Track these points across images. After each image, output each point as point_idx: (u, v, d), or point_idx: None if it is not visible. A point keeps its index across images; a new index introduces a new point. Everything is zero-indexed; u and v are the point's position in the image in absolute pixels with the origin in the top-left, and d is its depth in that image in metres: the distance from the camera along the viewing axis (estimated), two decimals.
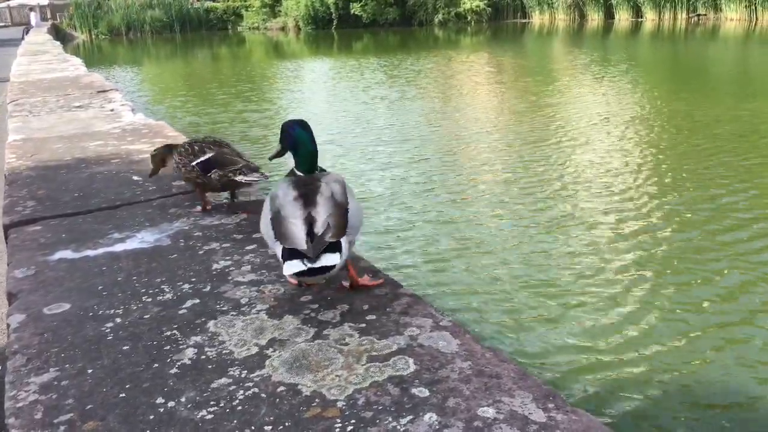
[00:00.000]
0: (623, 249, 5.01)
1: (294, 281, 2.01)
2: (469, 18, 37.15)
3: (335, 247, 1.74)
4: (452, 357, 1.57)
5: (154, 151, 2.99)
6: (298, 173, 2.00)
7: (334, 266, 1.72)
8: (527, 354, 3.65)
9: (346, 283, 1.98)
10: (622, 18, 33.89)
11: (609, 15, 34.81)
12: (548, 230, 5.45)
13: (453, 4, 37.28)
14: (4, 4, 55.62)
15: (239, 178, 2.77)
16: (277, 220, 1.81)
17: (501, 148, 8.47)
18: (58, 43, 19.24)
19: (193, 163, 2.73)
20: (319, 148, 2.05)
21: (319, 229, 1.76)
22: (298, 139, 2.01)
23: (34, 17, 35.64)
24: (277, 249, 1.79)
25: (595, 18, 35.05)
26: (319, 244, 1.72)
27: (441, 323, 1.73)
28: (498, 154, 8.16)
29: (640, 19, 33.07)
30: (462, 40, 29.53)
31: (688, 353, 3.63)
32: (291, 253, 1.73)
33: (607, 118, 10.05)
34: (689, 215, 5.68)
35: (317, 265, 1.70)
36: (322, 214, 1.79)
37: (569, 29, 32.37)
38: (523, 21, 38.03)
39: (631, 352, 3.65)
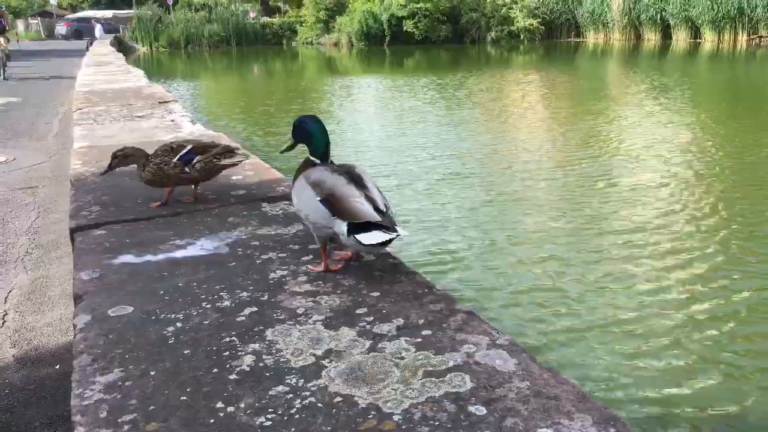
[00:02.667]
0: (699, 289, 4.82)
1: (347, 254, 2.28)
2: (522, 36, 36.99)
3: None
4: (509, 376, 1.56)
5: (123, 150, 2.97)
6: (315, 160, 2.29)
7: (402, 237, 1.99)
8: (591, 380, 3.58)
9: (319, 268, 2.21)
10: (680, 39, 33.24)
11: (666, 36, 34.17)
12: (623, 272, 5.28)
13: (506, 22, 37.22)
14: (71, 17, 58.00)
15: (224, 161, 2.92)
16: (336, 201, 2.05)
17: (575, 185, 7.99)
18: (121, 54, 19.93)
19: (175, 159, 2.86)
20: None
21: (381, 206, 2.03)
22: (312, 131, 2.30)
23: (98, 29, 36.94)
24: (339, 225, 2.03)
25: (651, 38, 34.47)
26: (391, 218, 2.02)
27: (498, 341, 1.72)
28: (571, 192, 7.70)
29: (698, 40, 32.35)
30: (516, 59, 29.32)
31: (754, 386, 3.50)
32: (362, 227, 1.98)
33: (693, 152, 9.42)
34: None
35: (399, 234, 1.96)
36: (377, 195, 2.07)
37: (624, 49, 31.83)
38: (577, 40, 37.69)
39: (694, 381, 3.55)
